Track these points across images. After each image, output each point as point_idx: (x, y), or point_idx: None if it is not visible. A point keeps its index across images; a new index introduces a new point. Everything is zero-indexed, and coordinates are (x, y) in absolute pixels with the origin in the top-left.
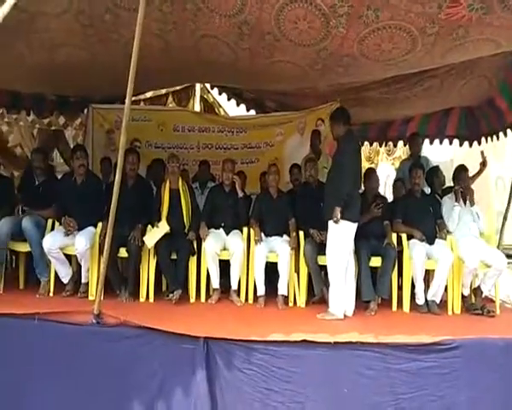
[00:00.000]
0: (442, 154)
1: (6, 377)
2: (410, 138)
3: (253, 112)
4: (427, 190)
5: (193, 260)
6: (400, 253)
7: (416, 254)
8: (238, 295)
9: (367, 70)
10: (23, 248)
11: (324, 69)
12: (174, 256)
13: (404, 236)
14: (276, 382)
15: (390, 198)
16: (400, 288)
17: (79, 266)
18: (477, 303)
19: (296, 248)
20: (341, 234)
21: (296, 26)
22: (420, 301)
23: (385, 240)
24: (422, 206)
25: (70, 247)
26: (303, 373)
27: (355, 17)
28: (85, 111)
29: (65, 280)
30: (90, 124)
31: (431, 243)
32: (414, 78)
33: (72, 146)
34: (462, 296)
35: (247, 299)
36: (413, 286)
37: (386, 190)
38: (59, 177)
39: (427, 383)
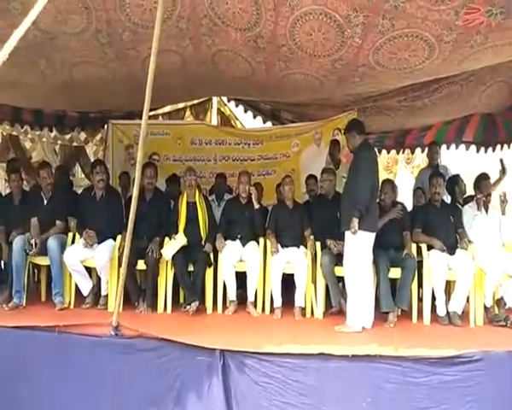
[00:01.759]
0: (463, 165)
1: (27, 388)
2: (429, 147)
3: (269, 124)
4: (448, 199)
5: (210, 272)
6: (420, 263)
7: (437, 264)
8: (255, 306)
9: (383, 79)
10: (45, 262)
11: (340, 79)
12: (191, 268)
13: (424, 246)
14: (293, 395)
15: (409, 207)
16: (420, 299)
17: (99, 279)
18: (500, 314)
19: (313, 260)
20: (359, 244)
21: (311, 37)
22: (441, 312)
23: (404, 251)
24: (443, 215)
25: (90, 260)
26: (320, 386)
27: (370, 26)
28: (105, 127)
29: (85, 292)
30: (110, 139)
31: (452, 253)
32: (432, 85)
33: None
34: (485, 307)
35: (263, 310)
36: (434, 297)
37: (405, 199)
38: (78, 192)
39: (448, 397)
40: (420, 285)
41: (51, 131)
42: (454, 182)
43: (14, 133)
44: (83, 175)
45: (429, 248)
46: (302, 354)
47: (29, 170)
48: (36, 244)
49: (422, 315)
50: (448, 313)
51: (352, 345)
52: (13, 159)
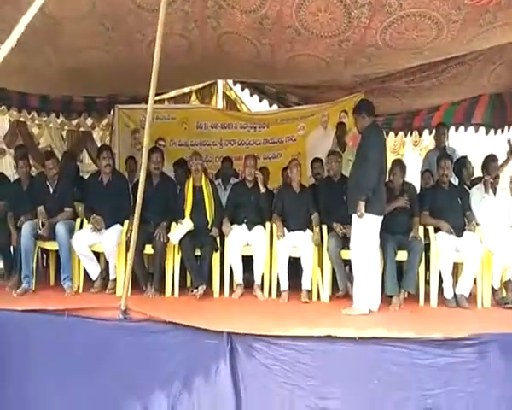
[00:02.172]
0: (471, 147)
1: (37, 372)
2: (436, 128)
3: (275, 107)
4: (456, 181)
5: (216, 256)
6: (427, 246)
7: (444, 247)
8: (261, 290)
9: (391, 60)
10: (54, 246)
11: (347, 60)
12: (198, 252)
13: (431, 228)
14: (300, 377)
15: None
16: (428, 282)
17: (107, 263)
18: (508, 297)
19: (320, 243)
20: (366, 228)
21: (317, 18)
22: (448, 295)
23: (411, 233)
24: (450, 197)
25: (98, 244)
26: (327, 369)
27: (377, 6)
28: (111, 112)
29: (93, 277)
30: (116, 124)
31: (459, 235)
32: (440, 65)
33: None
34: (493, 290)
35: (270, 294)
36: (441, 280)
37: (412, 181)
38: (85, 177)
39: (455, 378)
40: (427, 268)
41: (58, 116)
42: (462, 164)
43: (22, 119)
44: (90, 160)
45: (436, 230)
46: (309, 337)
47: (37, 156)
48: (43, 224)
49: (430, 298)
50: (455, 295)
51: (358, 328)
52: (20, 145)
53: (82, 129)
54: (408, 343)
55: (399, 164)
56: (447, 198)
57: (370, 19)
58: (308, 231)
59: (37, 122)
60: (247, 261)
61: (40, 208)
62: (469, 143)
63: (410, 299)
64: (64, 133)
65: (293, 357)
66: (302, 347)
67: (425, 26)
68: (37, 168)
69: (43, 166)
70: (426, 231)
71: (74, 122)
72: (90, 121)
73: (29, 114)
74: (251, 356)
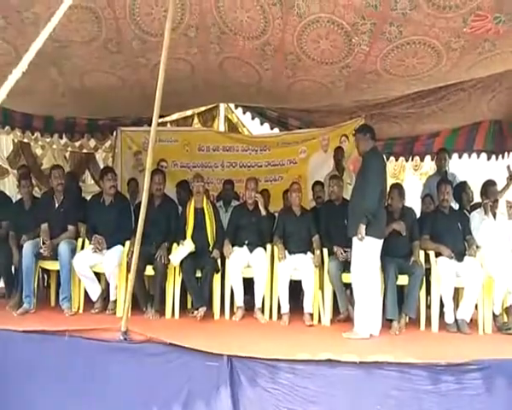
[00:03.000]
0: (471, 173)
1: (37, 392)
2: (437, 154)
3: (276, 130)
4: (456, 206)
5: (217, 278)
6: (428, 270)
7: (445, 271)
8: (262, 312)
9: (391, 86)
10: (55, 266)
11: (347, 86)
12: (199, 274)
13: (431, 253)
14: (301, 402)
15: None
16: (429, 306)
17: (108, 284)
18: (509, 322)
19: (320, 266)
20: (366, 251)
21: (318, 45)
22: (449, 320)
23: (412, 258)
24: (451, 222)
25: (99, 265)
26: (328, 394)
27: (378, 34)
28: (114, 134)
29: (94, 297)
30: (119, 146)
31: (460, 260)
32: (440, 92)
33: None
34: (494, 315)
35: (271, 316)
36: (442, 305)
37: (412, 205)
38: (87, 198)
39: (457, 405)
40: (428, 292)
41: (61, 137)
42: (461, 189)
43: (25, 140)
44: (92, 181)
45: (437, 255)
46: (310, 361)
47: (40, 177)
48: (44, 243)
49: (430, 322)
50: (456, 320)
51: (359, 352)
52: (23, 165)
53: (85, 150)
54: (410, 368)
55: (398, 188)
56: (448, 223)
57: (371, 46)
58: (309, 253)
59: (40, 143)
60: (248, 283)
61: (44, 226)
62: (470, 169)
63: (411, 323)
64: (67, 154)
65: (293, 381)
66: (303, 371)
67: (425, 54)
68: (40, 189)
69: (46, 186)
70: (426, 256)
71: (77, 143)
72: (92, 143)
73: (32, 134)
74: (251, 380)
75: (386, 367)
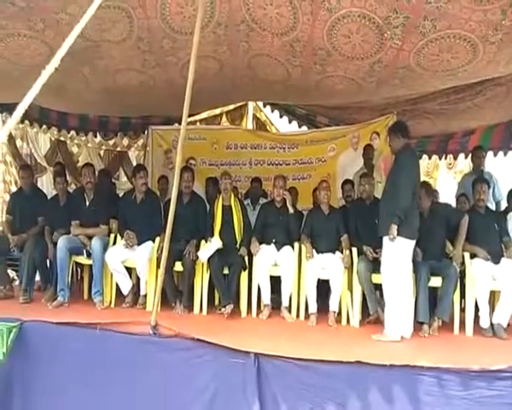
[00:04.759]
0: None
1: (67, 382)
2: (473, 151)
3: (304, 128)
4: (492, 206)
5: (244, 276)
6: (463, 273)
7: (481, 274)
8: (289, 311)
9: (424, 82)
10: (87, 261)
11: (379, 82)
12: (226, 271)
13: (467, 254)
14: (329, 403)
15: None
16: (463, 310)
17: (138, 279)
18: None
19: (350, 266)
20: (398, 252)
21: (349, 40)
22: (484, 324)
23: (446, 259)
24: (487, 222)
25: (130, 260)
26: (357, 396)
27: (411, 28)
28: (146, 132)
29: (125, 292)
30: (150, 144)
31: (496, 262)
32: (476, 87)
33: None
34: None
35: (298, 316)
36: (477, 308)
37: None
38: (120, 195)
39: None
40: (462, 295)
41: (95, 136)
42: None
43: (62, 138)
44: (126, 179)
45: (472, 256)
46: (339, 362)
47: (76, 174)
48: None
49: (465, 326)
50: (492, 324)
51: (390, 355)
52: (58, 163)
53: (118, 149)
54: (442, 373)
55: (425, 186)
56: (483, 223)
57: (403, 40)
58: (337, 253)
59: (76, 141)
60: (275, 282)
61: (75, 223)
62: (505, 167)
63: (445, 327)
64: (101, 152)
65: (321, 382)
66: (331, 372)
67: (460, 48)
68: (76, 186)
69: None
70: (461, 257)
71: (111, 142)
72: (125, 141)
73: (68, 133)
74: (278, 378)
75: (418, 371)
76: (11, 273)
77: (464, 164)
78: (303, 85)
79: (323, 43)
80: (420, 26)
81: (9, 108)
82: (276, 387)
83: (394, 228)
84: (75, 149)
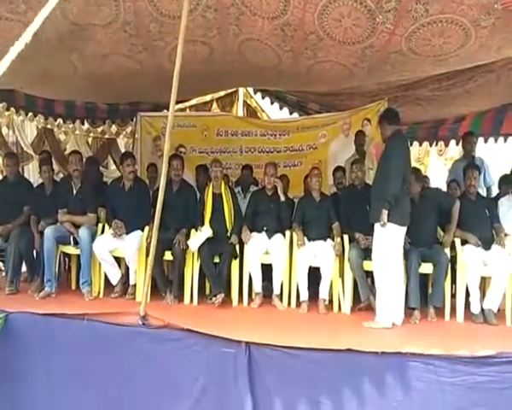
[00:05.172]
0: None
1: (55, 374)
2: (464, 137)
3: (296, 115)
4: (483, 192)
5: (235, 264)
6: (454, 258)
7: (471, 260)
8: (281, 299)
9: (416, 67)
10: (75, 251)
11: (371, 67)
12: (217, 260)
13: (457, 240)
14: (321, 391)
15: None
16: (453, 296)
17: (128, 269)
18: None
19: (341, 253)
20: (389, 238)
21: (340, 24)
22: (475, 310)
23: (437, 244)
24: (478, 209)
25: (119, 249)
26: (348, 384)
27: (403, 12)
28: (134, 119)
29: (114, 282)
30: (139, 131)
31: (487, 248)
32: (467, 73)
33: None
34: None
35: (289, 304)
36: (467, 294)
37: None
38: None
39: (483, 398)
40: (453, 281)
41: (83, 123)
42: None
43: (49, 126)
44: (114, 167)
45: (463, 242)
46: (329, 350)
47: (63, 162)
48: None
49: (455, 312)
50: (483, 310)
51: (381, 342)
52: (44, 151)
53: (107, 136)
54: (434, 359)
55: (415, 172)
56: (474, 209)
57: (395, 25)
58: (329, 240)
59: (63, 129)
60: (267, 270)
61: (62, 211)
62: (495, 153)
63: (436, 313)
64: (90, 140)
65: (312, 370)
66: (322, 360)
67: (452, 33)
68: (64, 175)
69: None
70: (452, 243)
71: (99, 129)
72: (114, 129)
73: (55, 120)
74: (270, 368)
75: (410, 358)
76: None
77: (455, 150)
78: (294, 71)
79: (314, 28)
80: (412, 10)
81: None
82: (267, 376)
83: (385, 214)
84: (62, 137)
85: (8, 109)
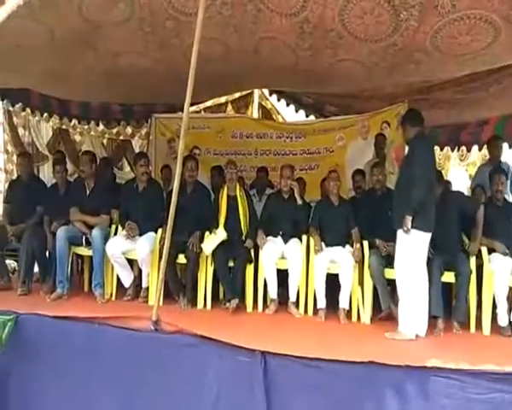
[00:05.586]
0: None
1: (67, 380)
2: (490, 141)
3: (312, 117)
4: (509, 199)
5: (250, 269)
6: (480, 268)
7: (499, 269)
8: (297, 306)
9: (441, 66)
10: (88, 252)
11: (393, 67)
12: (231, 264)
13: (484, 249)
14: (341, 405)
15: None
16: (480, 307)
17: (140, 271)
18: None
19: (360, 260)
20: (412, 245)
21: (362, 21)
22: (503, 322)
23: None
24: (505, 215)
25: (132, 251)
26: (370, 399)
27: (429, 8)
28: (149, 121)
29: (126, 284)
30: (153, 133)
31: None
32: (492, 75)
33: None
34: None
35: (306, 311)
36: (494, 305)
37: None
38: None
39: None
40: (479, 292)
41: (98, 124)
42: None
43: (64, 127)
44: (129, 168)
45: (490, 251)
46: (350, 362)
47: (79, 163)
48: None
49: (481, 325)
50: (511, 323)
51: (405, 354)
52: (58, 151)
53: (121, 137)
54: (461, 375)
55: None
56: (502, 216)
57: (420, 21)
58: (347, 246)
59: (78, 130)
60: (282, 276)
61: (73, 209)
62: None
63: (460, 324)
64: (105, 141)
65: (332, 382)
66: (342, 372)
67: (480, 30)
68: (79, 176)
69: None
70: (478, 252)
71: (114, 131)
72: (129, 130)
73: (70, 121)
74: (286, 378)
75: (436, 372)
76: (13, 264)
77: (477, 156)
78: (312, 70)
79: (335, 25)
80: (438, 5)
81: (9, 95)
82: (284, 388)
83: (409, 220)
84: (78, 138)
85: (23, 110)
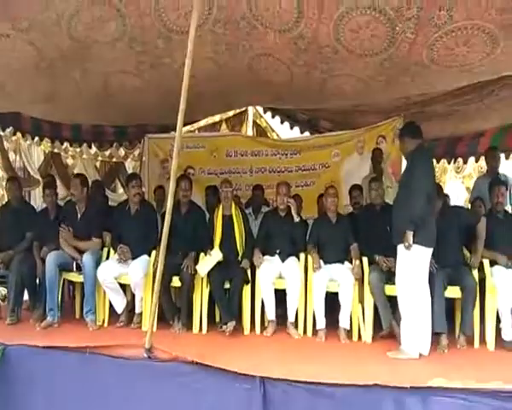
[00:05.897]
0: None
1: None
2: (488, 153)
3: (307, 134)
4: (509, 210)
5: (247, 290)
6: (482, 281)
7: (502, 282)
8: (296, 327)
9: (437, 79)
10: (79, 278)
11: (389, 80)
12: (227, 285)
13: (486, 262)
14: None
15: None
16: (483, 321)
17: (133, 296)
18: None
19: (360, 277)
20: (414, 261)
21: (357, 35)
22: (507, 337)
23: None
24: (506, 227)
25: (124, 276)
26: None
27: (425, 20)
28: (142, 142)
29: (119, 310)
30: (146, 154)
31: None
32: (488, 86)
33: None
34: None
35: (305, 332)
36: (498, 320)
37: None
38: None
39: None
40: (482, 306)
41: (90, 147)
42: None
43: (56, 150)
44: (122, 190)
45: (492, 264)
46: (353, 385)
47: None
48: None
49: (485, 340)
50: None
51: (408, 374)
52: (48, 175)
53: (114, 159)
54: (468, 394)
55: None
56: (503, 228)
57: (416, 33)
58: (346, 263)
59: (70, 153)
60: (280, 296)
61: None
62: None
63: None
64: (97, 164)
65: (333, 407)
66: (345, 396)
67: (477, 41)
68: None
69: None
70: (480, 265)
71: (107, 153)
72: (122, 152)
73: (62, 144)
74: (288, 405)
75: (442, 392)
76: (3, 291)
77: (473, 168)
78: (307, 87)
79: (329, 40)
80: (435, 17)
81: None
82: None
83: (410, 235)
84: (70, 161)
85: (14, 134)
